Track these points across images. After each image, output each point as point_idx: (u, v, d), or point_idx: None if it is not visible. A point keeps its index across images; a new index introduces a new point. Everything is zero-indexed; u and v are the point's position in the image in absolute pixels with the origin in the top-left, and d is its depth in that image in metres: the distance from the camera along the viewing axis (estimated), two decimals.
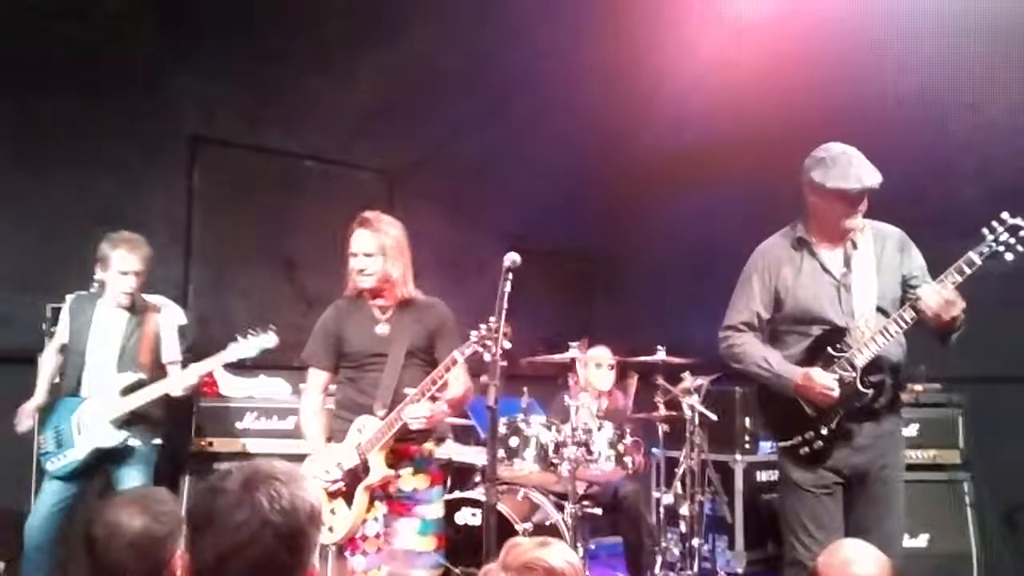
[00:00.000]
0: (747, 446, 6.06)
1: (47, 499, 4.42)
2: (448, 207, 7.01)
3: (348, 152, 6.75)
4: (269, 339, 4.50)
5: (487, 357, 3.33)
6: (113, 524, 2.08)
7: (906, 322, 3.39)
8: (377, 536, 3.70)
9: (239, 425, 5.28)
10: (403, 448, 3.73)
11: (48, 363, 4.67)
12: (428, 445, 3.83)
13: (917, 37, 5.37)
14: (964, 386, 5.53)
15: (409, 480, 3.75)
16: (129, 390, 4.46)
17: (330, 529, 3.69)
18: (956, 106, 5.56)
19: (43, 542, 4.36)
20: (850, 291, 3.53)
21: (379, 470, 3.65)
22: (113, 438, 4.42)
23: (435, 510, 3.80)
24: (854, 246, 3.57)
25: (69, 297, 4.68)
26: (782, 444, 3.61)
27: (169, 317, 4.72)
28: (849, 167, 3.40)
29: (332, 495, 3.69)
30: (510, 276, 3.46)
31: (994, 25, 5.13)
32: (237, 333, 4.51)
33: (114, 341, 4.54)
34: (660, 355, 5.44)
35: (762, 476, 6.03)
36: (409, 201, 6.89)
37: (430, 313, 3.86)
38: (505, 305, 3.55)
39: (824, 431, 3.48)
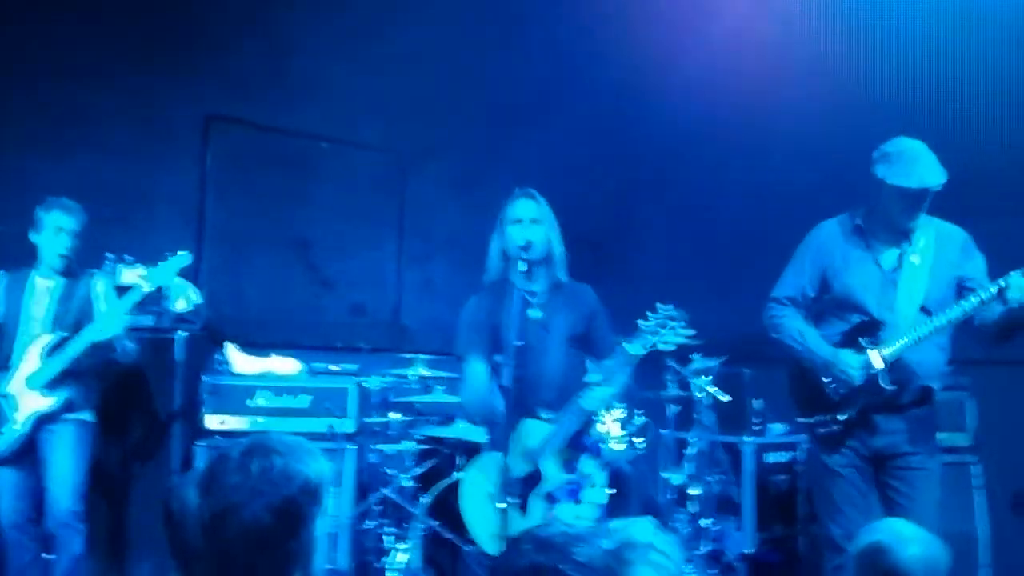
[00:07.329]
0: (757, 427, 6.05)
1: (7, 485, 4.26)
2: (459, 189, 7.01)
3: (361, 134, 6.76)
4: (183, 258, 4.41)
5: (661, 347, 3.14)
6: (183, 499, 2.08)
7: (982, 301, 3.30)
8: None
9: (251, 403, 5.27)
10: (575, 441, 3.53)
11: None
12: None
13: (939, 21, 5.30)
14: (973, 368, 5.52)
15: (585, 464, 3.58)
16: (53, 349, 4.28)
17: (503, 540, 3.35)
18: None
19: (20, 523, 4.27)
20: (896, 287, 3.52)
21: (556, 476, 3.43)
22: (46, 402, 4.23)
23: (597, 495, 3.58)
24: (911, 244, 3.53)
25: None
26: (802, 420, 3.67)
27: (106, 281, 4.54)
28: (913, 164, 3.35)
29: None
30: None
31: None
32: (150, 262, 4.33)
33: (47, 308, 4.38)
34: None
35: (771, 457, 6.02)
36: (420, 183, 6.91)
37: (583, 298, 3.74)
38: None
39: (842, 418, 3.50)
